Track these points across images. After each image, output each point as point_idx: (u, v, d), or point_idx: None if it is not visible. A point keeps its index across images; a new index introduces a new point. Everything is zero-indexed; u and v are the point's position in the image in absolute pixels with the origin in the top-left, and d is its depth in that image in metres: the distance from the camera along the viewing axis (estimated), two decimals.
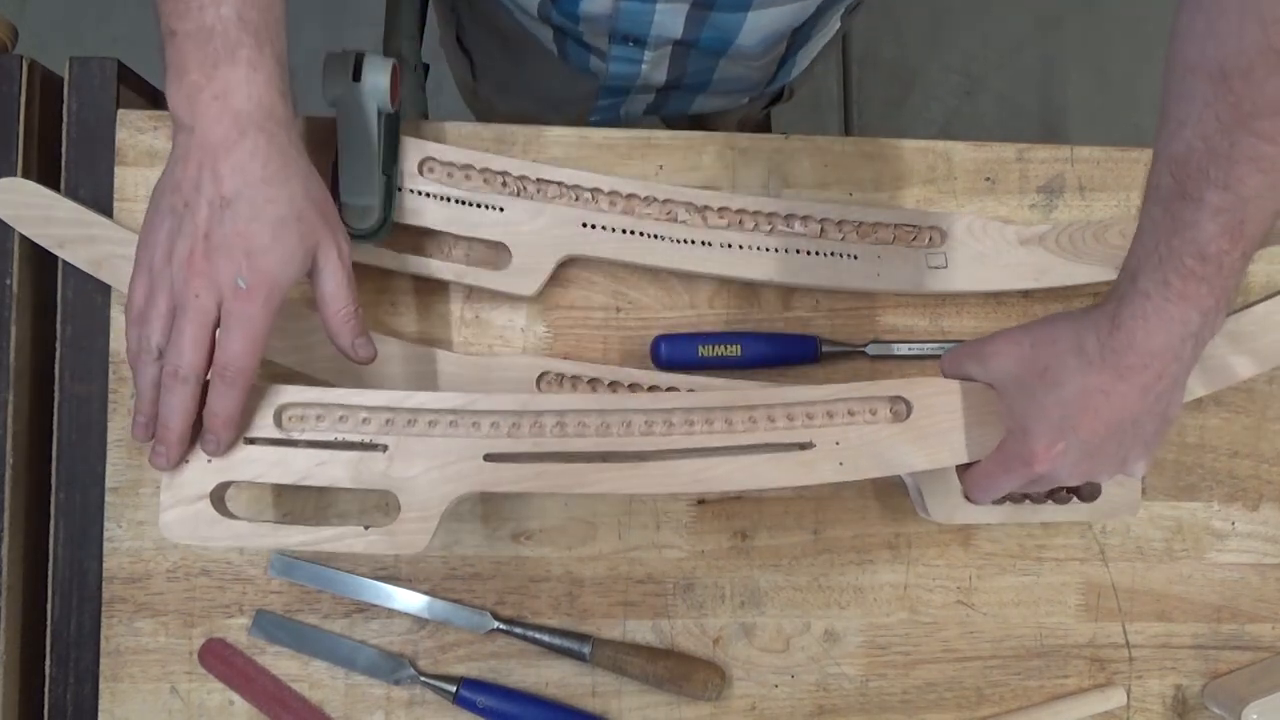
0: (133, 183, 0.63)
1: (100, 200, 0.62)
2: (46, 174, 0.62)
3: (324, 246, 0.50)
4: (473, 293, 0.65)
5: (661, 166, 0.66)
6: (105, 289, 0.62)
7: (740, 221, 0.64)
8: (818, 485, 0.63)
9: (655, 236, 0.63)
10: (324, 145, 0.60)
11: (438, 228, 0.62)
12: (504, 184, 0.62)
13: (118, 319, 0.62)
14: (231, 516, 0.52)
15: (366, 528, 0.52)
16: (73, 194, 0.62)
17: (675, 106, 0.86)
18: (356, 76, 0.57)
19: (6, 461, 0.61)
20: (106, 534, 0.61)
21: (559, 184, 0.63)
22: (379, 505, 0.63)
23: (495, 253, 0.64)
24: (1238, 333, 0.63)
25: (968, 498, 0.57)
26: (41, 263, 0.62)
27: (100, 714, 0.61)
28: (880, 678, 0.65)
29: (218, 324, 0.48)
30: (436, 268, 0.62)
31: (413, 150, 0.61)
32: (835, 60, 1.65)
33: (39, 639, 0.61)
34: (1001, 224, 0.66)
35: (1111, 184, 0.68)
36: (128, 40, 1.52)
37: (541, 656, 0.63)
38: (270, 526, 0.53)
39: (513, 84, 0.85)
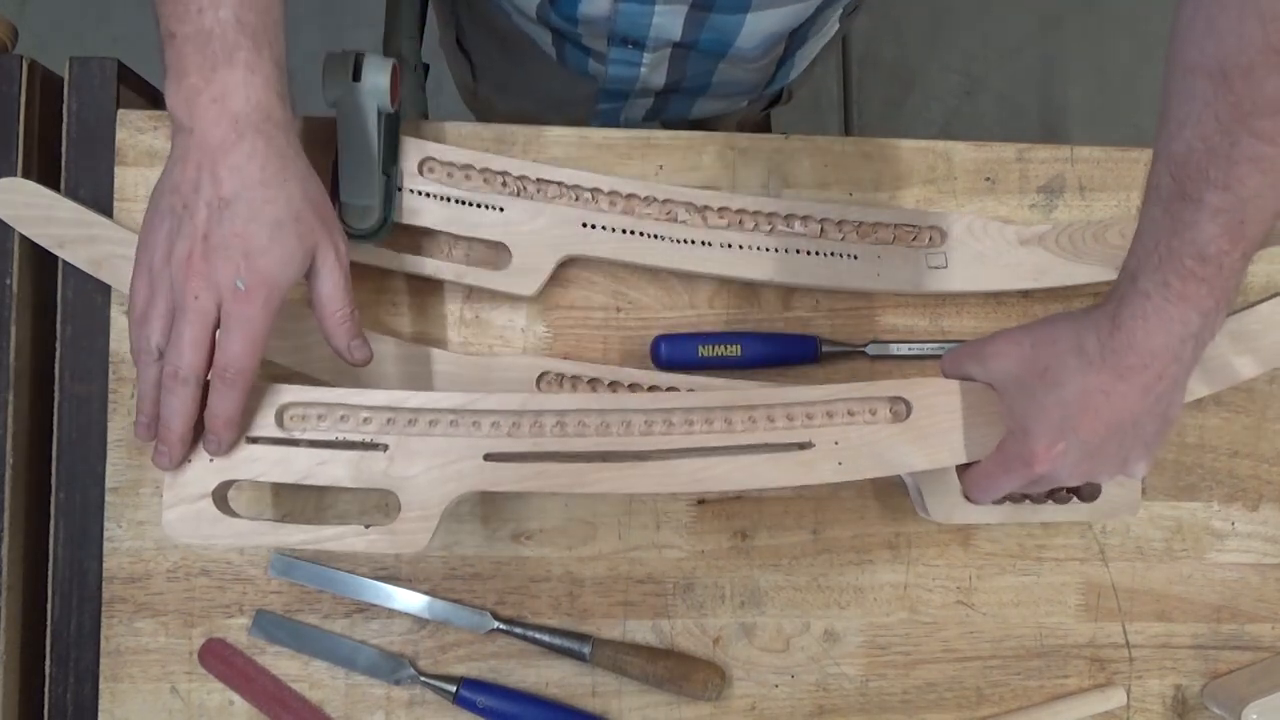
0: (133, 183, 0.63)
1: (100, 200, 0.62)
2: (46, 174, 0.62)
3: (322, 248, 0.50)
4: (472, 293, 0.65)
5: (661, 166, 0.66)
6: (105, 289, 0.62)
7: (740, 221, 0.64)
8: (817, 485, 0.63)
9: (655, 236, 0.63)
10: (324, 145, 0.60)
11: (437, 228, 0.62)
12: (504, 184, 0.62)
13: (118, 319, 0.62)
14: (234, 515, 0.52)
15: (367, 527, 0.52)
16: (73, 194, 0.62)
17: (674, 111, 0.86)
18: (356, 77, 0.57)
19: (6, 461, 0.61)
20: (106, 534, 0.61)
21: (559, 184, 0.63)
22: (379, 505, 0.63)
23: (495, 253, 0.64)
24: (1240, 332, 0.63)
25: (968, 498, 0.57)
26: (41, 263, 0.62)
27: (100, 714, 0.61)
28: (880, 678, 0.65)
29: (217, 325, 0.48)
30: (436, 268, 0.62)
31: (413, 150, 0.61)
32: (835, 60, 1.65)
33: (39, 639, 0.61)
34: (1001, 224, 0.66)
35: (1111, 184, 0.68)
36: (128, 40, 1.52)
37: (541, 656, 0.63)
38: (272, 525, 0.53)
39: (512, 86, 0.85)
